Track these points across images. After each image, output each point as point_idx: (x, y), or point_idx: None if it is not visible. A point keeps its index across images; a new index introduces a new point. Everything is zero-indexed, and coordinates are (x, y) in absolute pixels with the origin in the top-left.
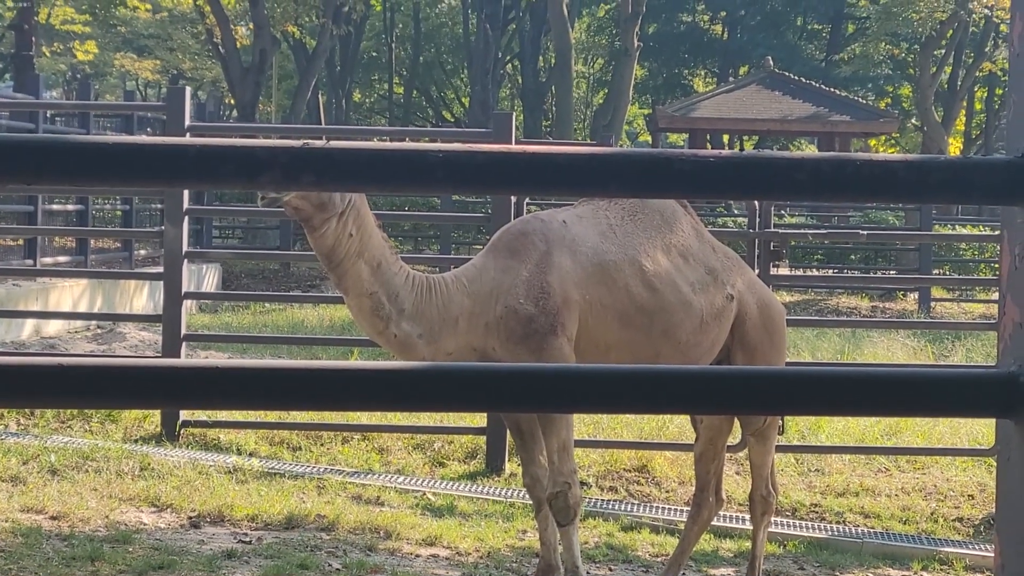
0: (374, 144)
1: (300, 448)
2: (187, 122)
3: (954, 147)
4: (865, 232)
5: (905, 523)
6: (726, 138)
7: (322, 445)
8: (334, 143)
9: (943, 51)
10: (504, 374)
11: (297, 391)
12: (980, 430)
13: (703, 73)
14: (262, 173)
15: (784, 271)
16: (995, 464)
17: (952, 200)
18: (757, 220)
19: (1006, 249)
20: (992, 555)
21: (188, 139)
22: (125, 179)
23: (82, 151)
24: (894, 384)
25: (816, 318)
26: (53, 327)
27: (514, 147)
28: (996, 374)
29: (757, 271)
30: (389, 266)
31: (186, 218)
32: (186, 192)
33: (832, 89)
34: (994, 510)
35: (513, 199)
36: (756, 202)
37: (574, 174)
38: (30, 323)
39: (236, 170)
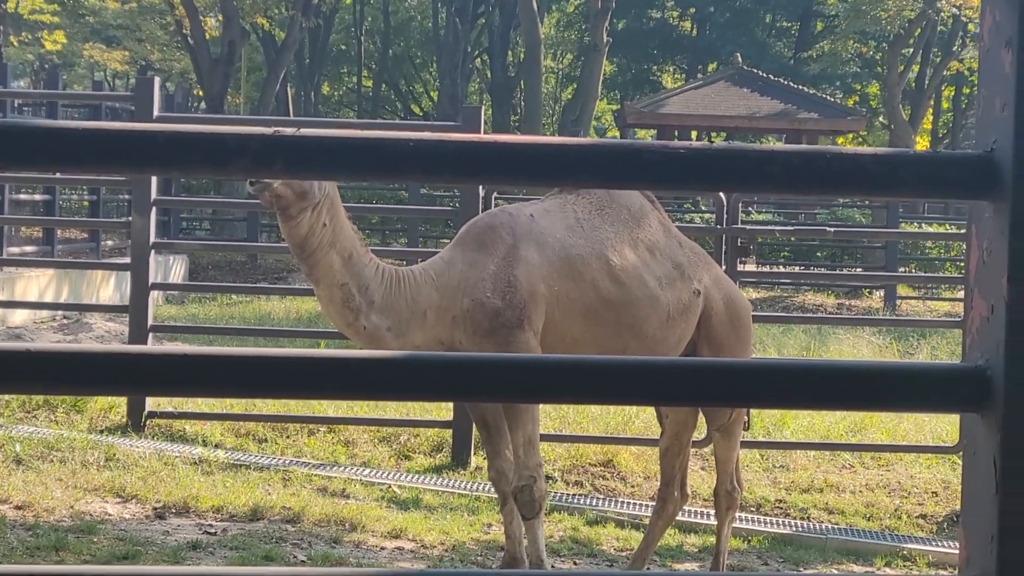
0: (345, 132)
1: (266, 440)
2: (156, 112)
3: (921, 145)
4: (832, 229)
5: (869, 519)
6: (694, 134)
7: (288, 437)
8: (305, 131)
9: (911, 50)
10: (472, 363)
11: (265, 378)
12: (944, 428)
13: (672, 69)
14: (232, 160)
15: (751, 268)
16: (959, 462)
17: (922, 194)
18: (725, 216)
19: (974, 244)
20: (955, 551)
21: (158, 125)
22: (94, 165)
23: (51, 136)
24: (863, 377)
25: (782, 314)
26: (19, 317)
27: (485, 136)
28: (964, 368)
29: (724, 267)
30: (360, 257)
31: (153, 208)
32: (153, 182)
33: (800, 87)
34: (958, 507)
35: (481, 193)
36: (724, 198)
37: (545, 164)
38: None
39: (206, 157)
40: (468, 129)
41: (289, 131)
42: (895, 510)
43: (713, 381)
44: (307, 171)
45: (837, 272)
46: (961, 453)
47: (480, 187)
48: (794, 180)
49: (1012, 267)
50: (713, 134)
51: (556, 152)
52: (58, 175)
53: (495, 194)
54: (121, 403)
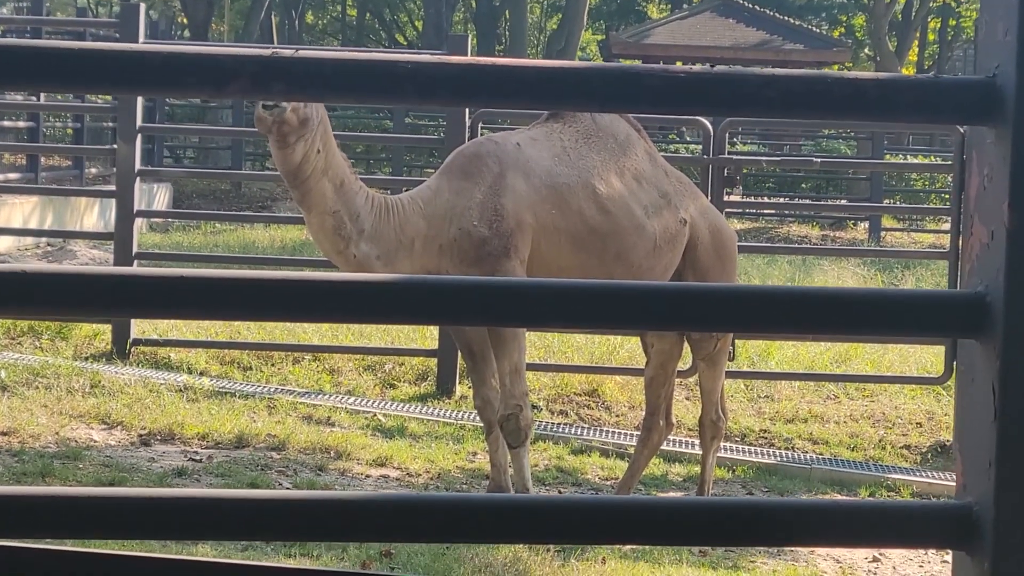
0: (343, 54)
1: (251, 368)
2: (141, 39)
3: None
4: (819, 159)
5: (853, 450)
6: (679, 65)
7: (272, 365)
8: (303, 52)
9: None
10: (458, 286)
11: (255, 301)
12: (929, 359)
13: (657, 0)
14: (230, 82)
15: (735, 198)
16: (943, 393)
17: (923, 120)
18: (711, 146)
19: (974, 171)
20: (939, 482)
21: (154, 46)
22: (90, 85)
23: (47, 56)
24: (862, 303)
25: (767, 245)
26: (3, 244)
27: (483, 59)
28: (963, 294)
29: (710, 198)
30: (351, 185)
31: (139, 136)
32: (139, 110)
33: (786, 17)
34: (942, 438)
35: (467, 122)
36: (710, 128)
37: (544, 86)
38: None
39: (203, 78)
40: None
41: (287, 52)
42: (879, 441)
43: (716, 307)
44: (306, 93)
45: (822, 203)
46: (945, 384)
47: (467, 116)
48: (794, 105)
49: (1014, 193)
50: (698, 65)
51: (556, 75)
52: (43, 100)
53: (481, 123)
54: (106, 330)
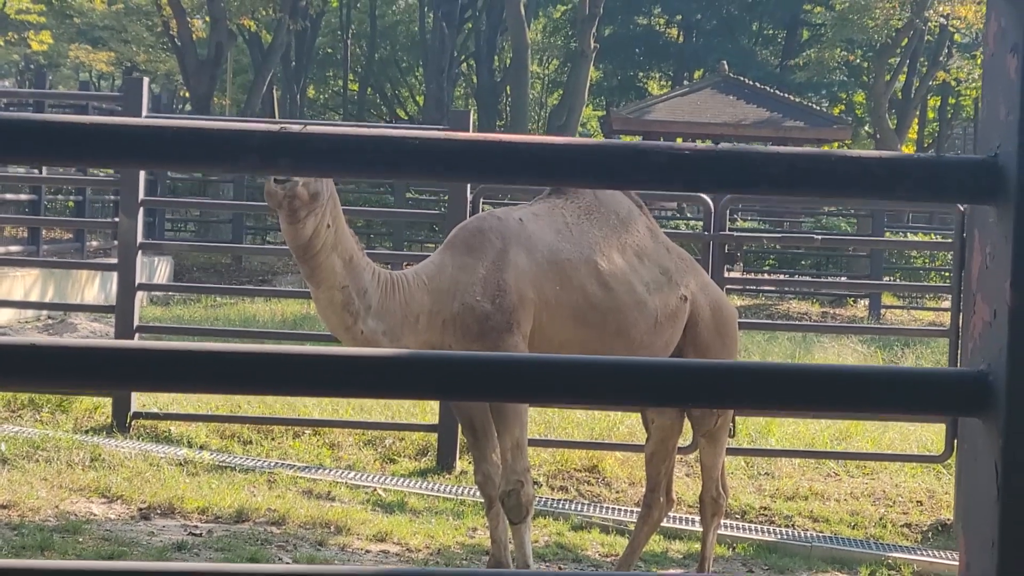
0: (350, 128)
1: (251, 442)
2: (144, 113)
3: None
4: (820, 236)
5: (854, 528)
6: (680, 141)
7: (273, 439)
8: (311, 127)
9: (898, 59)
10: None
11: (253, 374)
12: (929, 437)
13: (658, 76)
14: (242, 156)
15: (736, 275)
16: (944, 471)
17: (926, 198)
18: (712, 222)
19: (977, 248)
20: (940, 561)
21: (165, 120)
22: (102, 159)
23: (60, 131)
24: (865, 381)
25: (767, 321)
26: (3, 316)
27: (490, 135)
28: (966, 373)
29: (711, 274)
30: (359, 261)
31: (141, 209)
32: (141, 183)
33: (786, 95)
34: (943, 516)
35: (469, 197)
36: (711, 204)
37: (553, 163)
38: None
39: (214, 153)
40: None
41: (295, 127)
42: (880, 519)
43: (717, 383)
44: (313, 167)
45: (822, 280)
46: (946, 463)
47: (468, 191)
48: (798, 182)
49: (1016, 272)
50: (699, 141)
51: (562, 152)
52: (44, 173)
53: (482, 198)
54: (106, 404)
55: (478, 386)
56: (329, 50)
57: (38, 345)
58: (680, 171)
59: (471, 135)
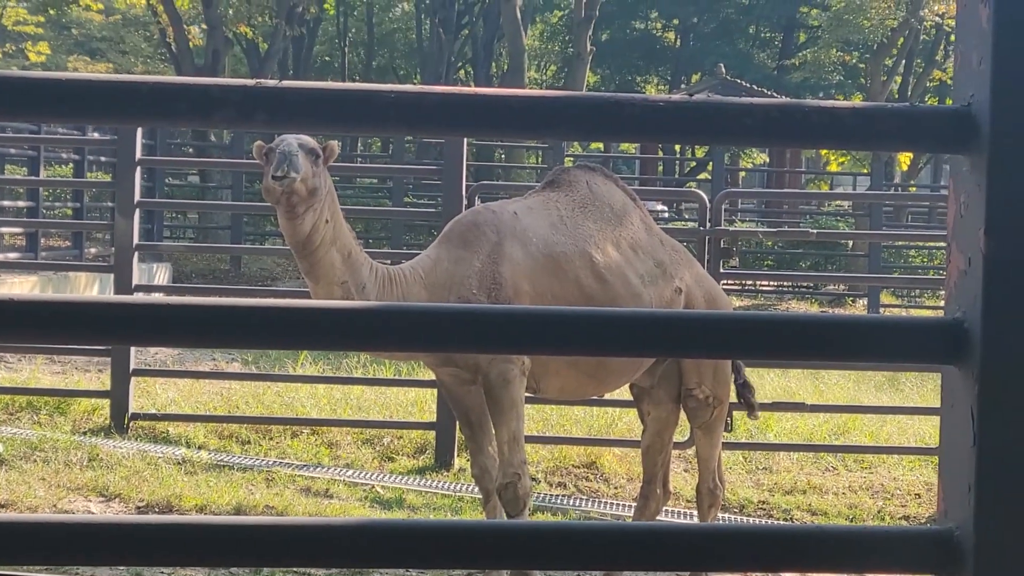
0: (327, 84)
1: (249, 442)
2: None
3: (903, 159)
4: (815, 231)
5: (852, 521)
6: (678, 147)
7: (271, 439)
8: (287, 82)
9: (894, 59)
10: (454, 314)
11: (254, 328)
12: (927, 430)
13: (655, 80)
14: (216, 111)
15: (734, 271)
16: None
17: (900, 148)
18: (707, 218)
19: (952, 199)
20: None
21: (141, 76)
22: (79, 115)
23: (37, 87)
24: (845, 329)
25: None
26: None
27: (467, 88)
28: (942, 321)
29: (707, 270)
30: (357, 256)
31: (137, 211)
32: (137, 185)
33: (784, 97)
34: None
35: (464, 193)
36: (707, 200)
37: (526, 116)
38: None
39: (190, 107)
40: (453, 140)
41: (271, 82)
42: (878, 512)
43: (699, 333)
44: (289, 122)
45: (819, 274)
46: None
47: (463, 188)
48: (772, 132)
49: (989, 220)
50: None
51: (538, 104)
52: (42, 176)
53: (478, 196)
54: (104, 405)
55: (471, 337)
56: (327, 58)
57: (16, 300)
58: (656, 123)
59: (449, 88)
